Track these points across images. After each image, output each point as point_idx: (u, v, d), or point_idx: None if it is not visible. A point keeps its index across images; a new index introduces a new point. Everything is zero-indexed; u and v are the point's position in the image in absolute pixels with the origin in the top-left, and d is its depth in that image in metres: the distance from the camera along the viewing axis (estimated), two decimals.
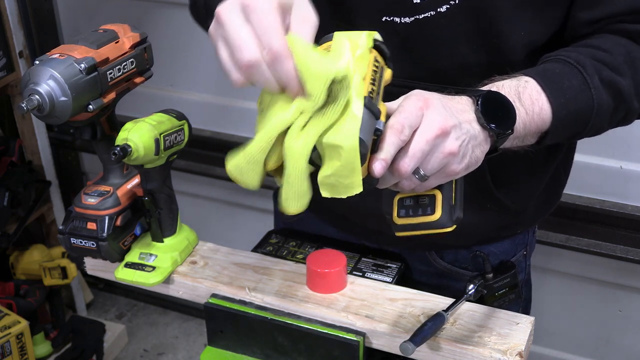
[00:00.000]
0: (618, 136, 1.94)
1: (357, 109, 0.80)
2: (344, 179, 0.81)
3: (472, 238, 1.24)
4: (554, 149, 1.19)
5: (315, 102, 0.80)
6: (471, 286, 1.13)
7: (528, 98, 0.97)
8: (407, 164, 0.85)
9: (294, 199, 0.84)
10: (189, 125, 1.13)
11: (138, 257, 1.15)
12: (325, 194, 0.83)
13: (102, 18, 2.51)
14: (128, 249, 1.16)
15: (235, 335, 1.12)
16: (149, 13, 2.47)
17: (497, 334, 1.02)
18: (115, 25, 1.08)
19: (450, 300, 1.08)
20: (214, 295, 1.13)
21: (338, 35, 0.86)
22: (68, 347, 2.46)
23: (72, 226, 1.11)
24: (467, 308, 1.08)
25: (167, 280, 1.15)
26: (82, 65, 0.99)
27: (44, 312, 2.51)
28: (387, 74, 0.88)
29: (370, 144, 0.82)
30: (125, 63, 1.07)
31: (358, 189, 0.82)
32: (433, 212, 0.92)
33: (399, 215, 0.95)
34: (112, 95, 1.05)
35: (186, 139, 1.12)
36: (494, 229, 1.23)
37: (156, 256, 1.15)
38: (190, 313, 2.87)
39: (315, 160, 0.83)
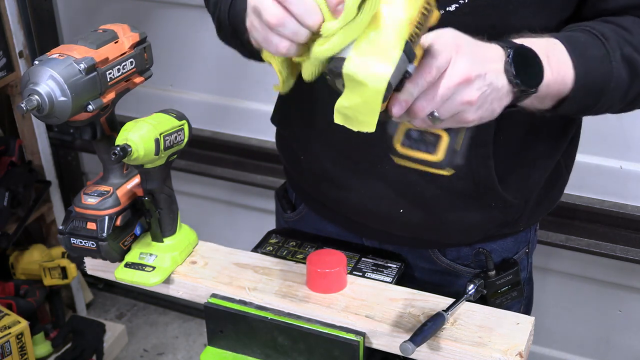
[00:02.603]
0: (618, 136, 1.95)
1: (395, 53, 0.79)
2: (360, 115, 0.80)
3: (474, 235, 1.24)
4: (556, 141, 1.19)
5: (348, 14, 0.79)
6: (471, 286, 1.13)
7: (555, 60, 0.97)
8: (424, 107, 0.85)
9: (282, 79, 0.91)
10: (189, 125, 1.13)
11: (138, 257, 1.15)
12: (338, 120, 0.83)
13: (102, 18, 2.51)
14: (128, 249, 1.16)
15: (235, 335, 1.12)
16: (149, 13, 2.47)
17: (497, 334, 1.02)
18: (115, 25, 1.08)
19: (450, 300, 1.08)
20: (214, 295, 1.13)
21: None
22: (68, 347, 2.46)
23: (72, 226, 1.11)
24: (467, 308, 1.08)
25: (167, 280, 1.15)
26: (82, 65, 0.99)
27: (44, 312, 2.51)
28: (434, 16, 0.86)
29: (396, 83, 0.81)
30: (124, 63, 1.07)
31: (371, 128, 0.81)
32: (435, 152, 0.91)
33: (402, 144, 0.93)
34: (111, 95, 1.05)
35: (186, 139, 1.12)
36: (497, 226, 1.23)
37: (156, 256, 1.15)
38: (190, 313, 2.87)
39: (335, 80, 0.81)
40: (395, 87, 0.82)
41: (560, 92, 0.99)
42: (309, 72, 0.85)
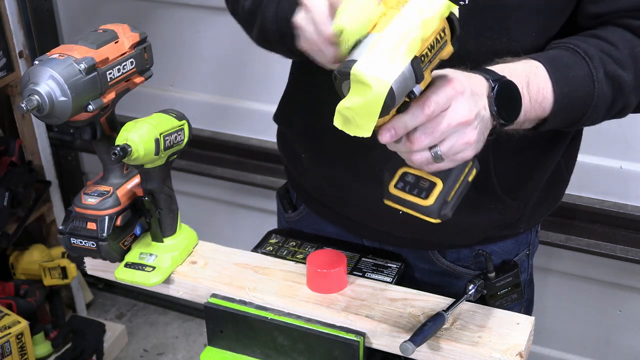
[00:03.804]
0: (618, 136, 1.95)
1: (403, 61, 0.80)
2: (359, 118, 0.81)
3: (475, 237, 1.24)
4: (555, 142, 1.20)
5: None
6: (471, 286, 1.13)
7: (535, 86, 0.99)
8: (422, 140, 0.86)
9: None
10: (189, 125, 1.13)
11: (138, 257, 1.15)
12: (337, 123, 0.84)
13: (102, 18, 2.51)
14: (128, 249, 1.16)
15: (235, 335, 1.12)
16: (149, 13, 2.47)
17: (497, 334, 1.02)
18: (115, 25, 1.08)
19: (450, 300, 1.08)
20: (214, 295, 1.13)
21: None
22: (68, 347, 2.46)
23: (72, 226, 1.11)
24: (467, 308, 1.08)
25: (167, 280, 1.15)
26: (82, 66, 0.99)
27: (44, 312, 2.51)
28: (447, 49, 0.87)
29: (400, 100, 0.82)
30: (125, 63, 1.07)
31: (367, 133, 0.82)
32: (427, 198, 0.92)
33: (395, 186, 0.95)
34: (111, 95, 1.05)
35: (186, 139, 1.12)
36: (497, 228, 1.23)
37: (156, 256, 1.15)
38: (190, 313, 2.87)
39: (342, 82, 0.83)
40: (398, 109, 0.84)
41: (539, 115, 1.01)
42: None
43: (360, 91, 0.80)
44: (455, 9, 0.85)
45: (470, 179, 0.95)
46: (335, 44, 0.87)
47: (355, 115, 0.82)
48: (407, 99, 0.84)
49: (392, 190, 0.95)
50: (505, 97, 0.93)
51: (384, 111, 0.81)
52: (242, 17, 1.18)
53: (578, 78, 1.01)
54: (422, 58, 0.82)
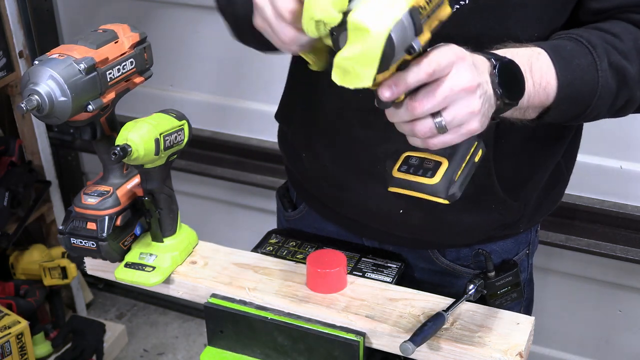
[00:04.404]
0: (618, 136, 1.95)
1: (400, 7, 0.78)
2: (359, 66, 0.79)
3: (474, 236, 1.24)
4: (555, 142, 1.20)
5: None
6: (471, 286, 1.13)
7: (538, 70, 0.97)
8: (424, 103, 0.83)
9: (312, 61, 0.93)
10: (189, 125, 1.13)
11: (138, 257, 1.15)
12: (335, 78, 0.82)
13: (102, 18, 2.51)
14: (128, 249, 1.16)
15: (235, 335, 1.12)
16: (149, 13, 2.47)
17: (497, 334, 1.02)
18: (115, 25, 1.08)
19: (450, 300, 1.08)
20: (214, 295, 1.13)
21: None
22: (68, 347, 2.46)
23: (72, 226, 1.11)
24: (467, 308, 1.08)
25: (167, 280, 1.15)
26: (82, 66, 0.99)
27: (44, 312, 2.51)
28: (445, 9, 0.85)
29: (400, 55, 0.80)
30: (124, 63, 1.07)
31: (367, 82, 0.80)
32: (432, 176, 0.90)
33: (399, 169, 0.92)
34: (111, 95, 1.05)
35: (186, 139, 1.12)
36: (497, 227, 1.23)
37: (156, 256, 1.15)
38: (190, 313, 2.87)
39: (339, 36, 0.81)
40: (399, 68, 0.82)
41: (543, 102, 0.99)
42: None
43: (359, 38, 0.79)
44: None
45: (476, 159, 0.93)
46: (290, 22, 0.85)
47: (355, 63, 0.80)
48: (407, 57, 0.82)
49: (396, 173, 0.92)
50: (508, 76, 0.91)
51: (384, 61, 0.79)
52: (222, 9, 1.16)
53: (582, 67, 0.99)
54: (420, 10, 0.80)
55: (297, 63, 1.31)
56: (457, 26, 1.01)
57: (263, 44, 0.99)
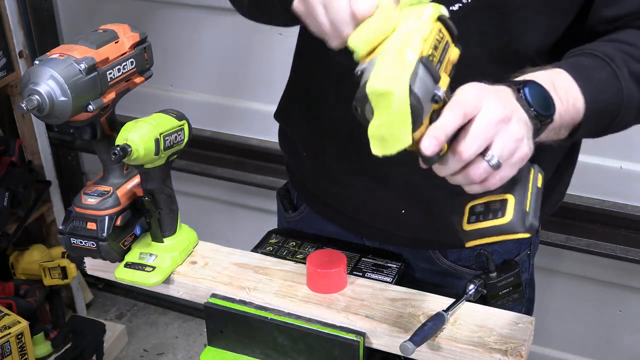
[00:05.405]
0: (618, 136, 1.93)
1: (411, 61, 0.79)
2: (394, 129, 0.79)
3: None
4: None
5: None
6: (471, 286, 1.13)
7: (562, 88, 0.96)
8: (469, 145, 0.82)
9: None
10: (189, 125, 1.13)
11: (138, 257, 1.15)
12: (375, 149, 0.81)
13: (102, 18, 2.50)
14: (128, 249, 1.16)
15: (235, 335, 1.12)
16: (149, 13, 2.47)
17: (497, 334, 1.02)
18: (115, 25, 1.08)
19: (450, 300, 1.08)
20: (214, 295, 1.13)
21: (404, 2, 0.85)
22: (68, 347, 2.46)
23: (72, 226, 1.11)
24: (467, 308, 1.08)
25: (167, 280, 1.15)
26: (82, 65, 0.99)
27: (44, 312, 2.51)
28: (454, 51, 0.86)
29: (428, 107, 0.80)
30: (125, 63, 1.07)
31: (407, 141, 0.79)
32: (504, 214, 0.88)
33: (468, 222, 0.90)
34: (111, 95, 1.05)
35: (186, 139, 1.12)
36: None
37: (156, 256, 1.15)
38: (190, 313, 2.87)
39: (364, 108, 0.81)
40: (431, 120, 0.82)
41: (574, 118, 0.98)
42: None
43: (384, 103, 0.79)
44: (444, 10, 0.85)
45: (539, 184, 0.91)
46: (341, 34, 0.86)
47: (389, 128, 0.79)
48: (435, 106, 0.82)
49: (467, 227, 0.90)
50: (535, 96, 0.90)
51: (415, 116, 0.79)
52: None
53: (603, 80, 0.99)
54: (431, 58, 0.81)
55: (300, 63, 1.31)
56: (459, 26, 1.01)
57: (276, 17, 0.98)
